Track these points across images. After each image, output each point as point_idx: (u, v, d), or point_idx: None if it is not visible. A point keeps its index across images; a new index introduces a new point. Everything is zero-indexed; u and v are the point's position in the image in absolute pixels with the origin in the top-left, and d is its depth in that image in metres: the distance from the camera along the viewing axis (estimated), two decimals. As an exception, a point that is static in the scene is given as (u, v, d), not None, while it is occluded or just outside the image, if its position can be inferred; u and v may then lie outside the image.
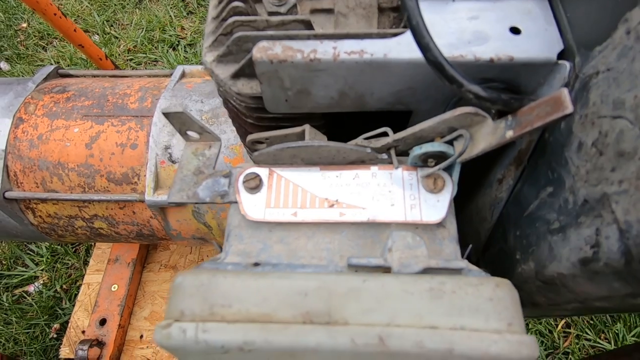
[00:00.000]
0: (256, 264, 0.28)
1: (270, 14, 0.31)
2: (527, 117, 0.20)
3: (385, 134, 0.31)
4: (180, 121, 0.33)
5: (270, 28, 0.30)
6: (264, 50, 0.27)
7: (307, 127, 0.32)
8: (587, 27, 0.24)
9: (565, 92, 0.16)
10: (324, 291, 0.21)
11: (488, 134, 0.24)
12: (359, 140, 0.31)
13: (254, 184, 0.30)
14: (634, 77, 0.20)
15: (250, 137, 0.32)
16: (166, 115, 0.32)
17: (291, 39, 0.29)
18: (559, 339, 1.00)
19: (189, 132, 0.34)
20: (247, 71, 0.31)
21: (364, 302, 0.21)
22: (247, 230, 0.29)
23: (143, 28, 1.59)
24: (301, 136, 0.32)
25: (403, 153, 0.31)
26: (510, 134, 0.21)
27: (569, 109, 0.16)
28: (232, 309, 0.21)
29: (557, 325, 1.01)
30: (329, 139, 0.35)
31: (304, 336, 0.20)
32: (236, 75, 0.32)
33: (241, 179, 0.30)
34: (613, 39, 0.22)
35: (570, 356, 0.98)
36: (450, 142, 0.28)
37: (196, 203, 0.31)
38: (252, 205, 0.29)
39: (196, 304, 0.21)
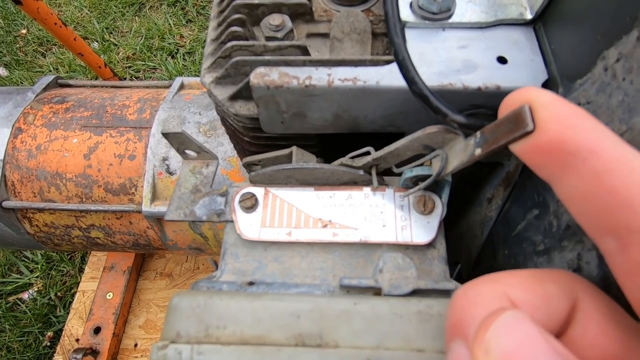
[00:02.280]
0: (251, 283, 0.28)
1: (268, 38, 0.32)
2: (493, 134, 0.19)
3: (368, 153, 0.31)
4: (178, 141, 0.33)
5: (267, 53, 0.31)
6: (261, 76, 0.28)
7: (294, 149, 0.33)
8: (570, 60, 0.26)
9: (526, 109, 0.15)
10: (316, 313, 0.22)
11: (460, 152, 0.24)
12: (345, 159, 0.32)
13: (250, 204, 0.31)
14: (610, 112, 0.21)
15: (244, 160, 0.33)
16: (165, 135, 0.33)
17: (288, 65, 0.30)
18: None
19: (187, 151, 0.35)
20: (245, 94, 0.32)
21: (355, 324, 0.22)
22: (242, 248, 0.30)
23: (142, 36, 1.61)
24: (290, 157, 0.33)
25: (388, 172, 0.31)
26: (478, 151, 0.20)
27: (530, 127, 0.15)
28: (226, 331, 0.22)
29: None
30: (325, 158, 0.36)
31: (295, 359, 0.20)
32: (234, 97, 0.33)
33: (237, 198, 0.31)
34: (593, 74, 0.23)
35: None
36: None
37: (193, 221, 0.32)
38: (248, 225, 0.30)
39: (192, 325, 0.22)
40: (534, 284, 0.15)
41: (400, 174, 0.30)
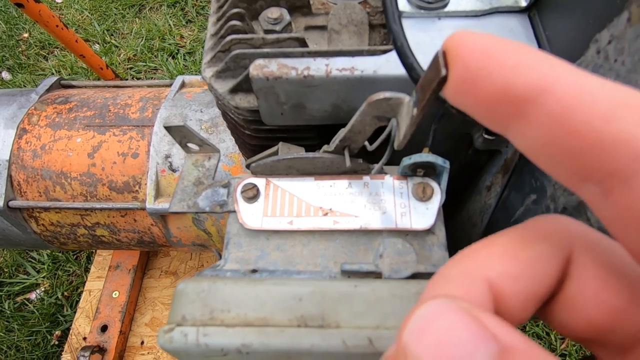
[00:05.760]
0: (254, 271, 0.29)
1: (266, 31, 0.33)
2: (421, 89, 0.17)
3: None
4: (180, 134, 0.34)
5: (266, 46, 0.31)
6: (260, 68, 0.29)
7: (280, 145, 0.33)
8: (564, 45, 0.26)
9: (438, 54, 0.14)
10: (317, 296, 0.23)
11: (406, 116, 0.23)
12: (327, 145, 0.31)
13: (252, 194, 0.31)
14: (603, 94, 0.22)
15: (247, 163, 0.34)
16: (167, 128, 0.33)
17: (286, 56, 0.30)
18: (556, 341, 1.00)
19: (189, 145, 0.35)
20: (245, 86, 0.32)
21: (355, 306, 0.22)
22: (245, 238, 0.31)
23: (143, 37, 1.62)
24: (277, 153, 0.33)
25: (372, 156, 0.31)
26: (415, 111, 0.19)
27: (442, 72, 0.14)
28: (230, 314, 0.22)
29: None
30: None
31: (298, 339, 0.21)
32: (234, 90, 0.33)
33: (239, 189, 0.32)
34: (586, 57, 0.24)
35: (567, 358, 0.99)
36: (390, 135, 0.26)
37: (196, 212, 0.33)
38: (250, 214, 0.31)
39: (197, 309, 0.23)
40: (516, 249, 0.13)
41: (374, 152, 0.30)
